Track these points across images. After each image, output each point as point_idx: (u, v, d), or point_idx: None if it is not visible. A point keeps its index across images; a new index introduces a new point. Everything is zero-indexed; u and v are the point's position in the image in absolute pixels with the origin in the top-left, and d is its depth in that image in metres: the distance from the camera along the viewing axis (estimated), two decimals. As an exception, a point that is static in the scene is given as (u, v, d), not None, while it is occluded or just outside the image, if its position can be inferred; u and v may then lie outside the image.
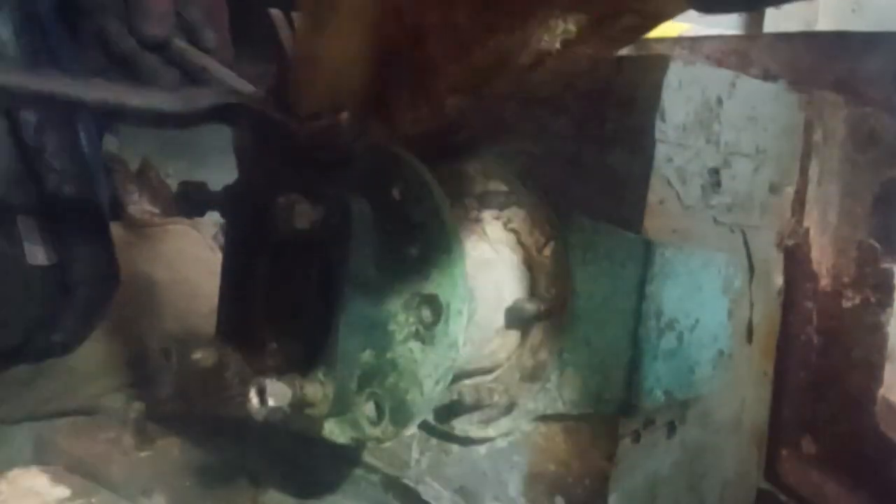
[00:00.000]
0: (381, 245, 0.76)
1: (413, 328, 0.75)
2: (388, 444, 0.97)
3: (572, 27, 0.72)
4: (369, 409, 0.77)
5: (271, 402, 0.70)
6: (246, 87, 1.01)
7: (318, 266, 0.84)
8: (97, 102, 0.78)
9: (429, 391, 0.75)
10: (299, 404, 0.72)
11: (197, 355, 0.80)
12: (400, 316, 0.76)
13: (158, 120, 0.81)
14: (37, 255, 1.21)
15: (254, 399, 0.70)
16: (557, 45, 0.74)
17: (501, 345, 0.88)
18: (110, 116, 0.81)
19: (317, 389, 0.73)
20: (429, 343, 0.75)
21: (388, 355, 0.76)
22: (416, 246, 0.75)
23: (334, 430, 0.79)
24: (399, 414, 0.76)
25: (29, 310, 1.20)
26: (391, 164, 0.77)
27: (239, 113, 0.83)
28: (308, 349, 0.83)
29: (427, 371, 0.75)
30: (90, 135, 1.31)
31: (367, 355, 0.76)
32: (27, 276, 1.19)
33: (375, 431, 0.77)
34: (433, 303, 0.74)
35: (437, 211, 0.75)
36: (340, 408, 0.75)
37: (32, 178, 1.18)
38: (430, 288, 0.75)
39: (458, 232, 0.75)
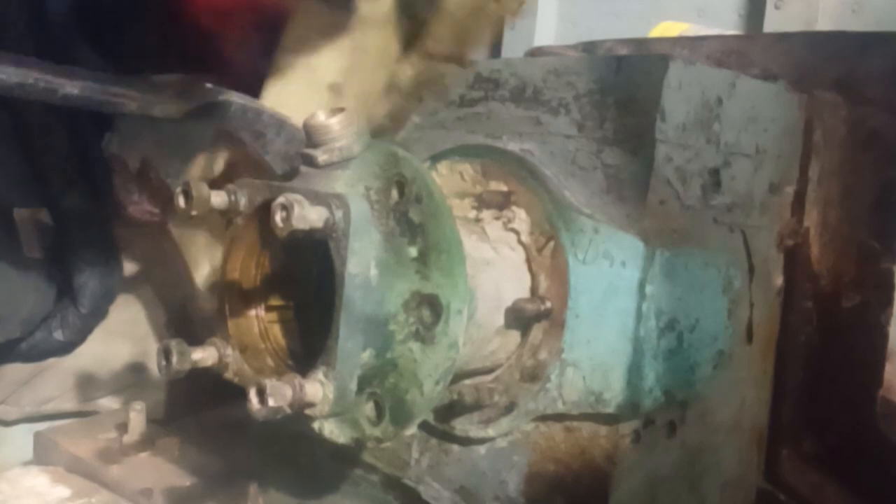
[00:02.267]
0: (381, 245, 0.76)
1: (413, 328, 0.75)
2: (388, 444, 0.97)
3: None
4: (369, 409, 0.77)
5: (271, 402, 0.70)
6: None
7: (319, 266, 0.84)
8: (84, 96, 0.77)
9: (429, 391, 0.74)
10: (299, 404, 0.72)
11: (197, 355, 0.79)
12: (400, 316, 0.76)
13: (151, 116, 0.81)
14: (33, 247, 1.20)
15: (254, 399, 0.70)
16: None
17: (501, 345, 0.88)
18: (99, 109, 0.81)
19: (317, 389, 0.73)
20: (429, 343, 0.75)
21: (388, 355, 0.76)
22: (416, 246, 0.75)
23: (334, 430, 0.79)
24: (399, 414, 0.76)
25: (27, 303, 1.20)
26: (391, 163, 0.77)
27: (234, 109, 0.83)
28: (308, 349, 0.83)
29: (427, 371, 0.75)
30: (91, 136, 1.30)
31: (367, 355, 0.75)
32: (24, 269, 1.19)
33: (375, 431, 0.77)
34: (433, 303, 0.74)
35: (437, 211, 0.75)
36: (340, 408, 0.75)
37: (38, 179, 1.18)
38: (430, 288, 0.75)
39: (458, 232, 0.75)
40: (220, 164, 0.83)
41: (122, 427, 1.15)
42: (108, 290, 1.27)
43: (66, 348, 1.28)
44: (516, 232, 0.90)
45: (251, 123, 0.85)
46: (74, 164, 1.20)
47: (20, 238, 1.20)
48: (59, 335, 1.25)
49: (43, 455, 1.16)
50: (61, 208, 1.21)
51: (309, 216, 0.71)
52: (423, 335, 0.75)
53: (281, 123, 0.84)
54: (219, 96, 0.84)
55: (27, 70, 0.75)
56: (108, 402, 1.35)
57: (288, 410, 0.71)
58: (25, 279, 1.19)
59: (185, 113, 0.82)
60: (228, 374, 0.81)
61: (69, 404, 1.32)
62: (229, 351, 0.81)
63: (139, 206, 1.87)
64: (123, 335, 1.37)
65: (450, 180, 0.96)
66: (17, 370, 1.28)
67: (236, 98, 0.85)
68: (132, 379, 1.35)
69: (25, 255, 1.19)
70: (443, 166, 0.98)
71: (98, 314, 1.28)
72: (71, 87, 0.76)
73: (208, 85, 0.85)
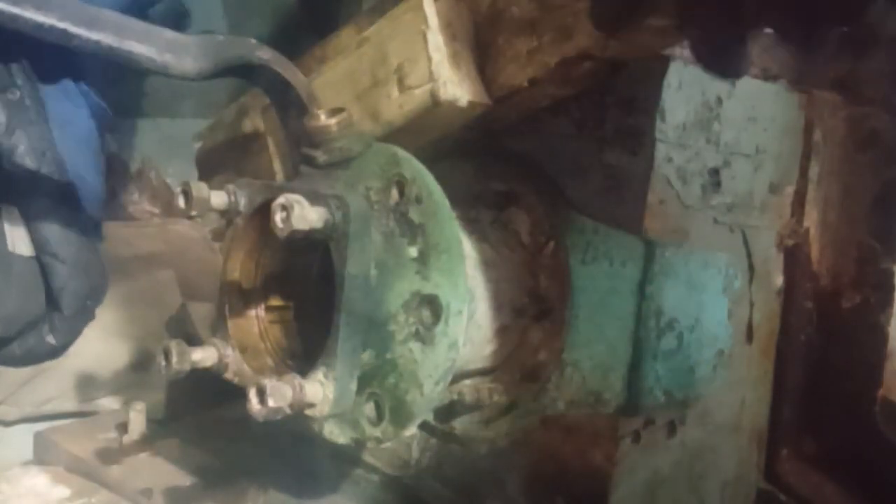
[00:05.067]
0: (380, 245, 0.76)
1: (413, 328, 0.75)
2: (387, 445, 0.97)
3: (540, 68, 0.78)
4: (369, 409, 0.77)
5: (271, 403, 0.70)
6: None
7: (319, 266, 0.84)
8: (100, 44, 0.75)
9: (429, 391, 0.74)
10: (299, 404, 0.72)
11: (197, 355, 0.79)
12: (400, 316, 0.76)
13: (170, 70, 0.78)
14: (19, 243, 1.18)
15: (254, 399, 0.70)
16: (525, 83, 0.80)
17: (501, 345, 0.88)
18: (116, 62, 0.77)
19: (317, 389, 0.73)
20: (429, 343, 0.74)
21: (388, 355, 0.76)
22: (416, 246, 0.75)
23: (334, 430, 0.79)
24: (399, 414, 0.75)
25: (9, 300, 1.18)
26: (391, 163, 0.77)
27: (260, 73, 0.81)
28: (308, 349, 0.83)
29: (427, 371, 0.74)
30: (85, 130, 1.27)
31: (367, 355, 0.75)
32: (7, 265, 1.17)
33: (375, 431, 0.77)
34: (433, 303, 0.74)
35: (437, 211, 0.75)
36: (340, 408, 0.75)
37: (6, 178, 1.15)
38: (429, 288, 0.75)
39: (458, 232, 0.75)
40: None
41: (122, 427, 1.15)
42: (92, 290, 1.25)
43: (58, 352, 1.27)
44: (516, 232, 0.90)
45: (278, 93, 0.82)
46: (41, 164, 1.16)
47: (5, 233, 1.17)
48: (50, 339, 1.24)
49: (43, 455, 1.16)
50: (32, 210, 1.18)
51: (309, 216, 0.71)
52: (423, 335, 0.75)
53: (304, 109, 0.81)
54: (253, 52, 0.80)
55: (48, 12, 0.72)
56: (108, 402, 1.35)
57: (288, 411, 0.71)
58: (8, 275, 1.17)
59: (209, 71, 0.79)
60: (228, 374, 0.81)
61: (69, 404, 1.32)
62: (229, 351, 0.81)
63: (139, 206, 1.87)
64: (123, 335, 1.36)
65: (450, 180, 0.96)
66: (16, 371, 1.27)
67: (271, 60, 0.81)
68: (132, 379, 1.35)
69: (10, 251, 1.17)
70: (443, 165, 0.98)
71: (84, 315, 1.26)
72: (90, 35, 0.74)
73: (252, 40, 0.81)
